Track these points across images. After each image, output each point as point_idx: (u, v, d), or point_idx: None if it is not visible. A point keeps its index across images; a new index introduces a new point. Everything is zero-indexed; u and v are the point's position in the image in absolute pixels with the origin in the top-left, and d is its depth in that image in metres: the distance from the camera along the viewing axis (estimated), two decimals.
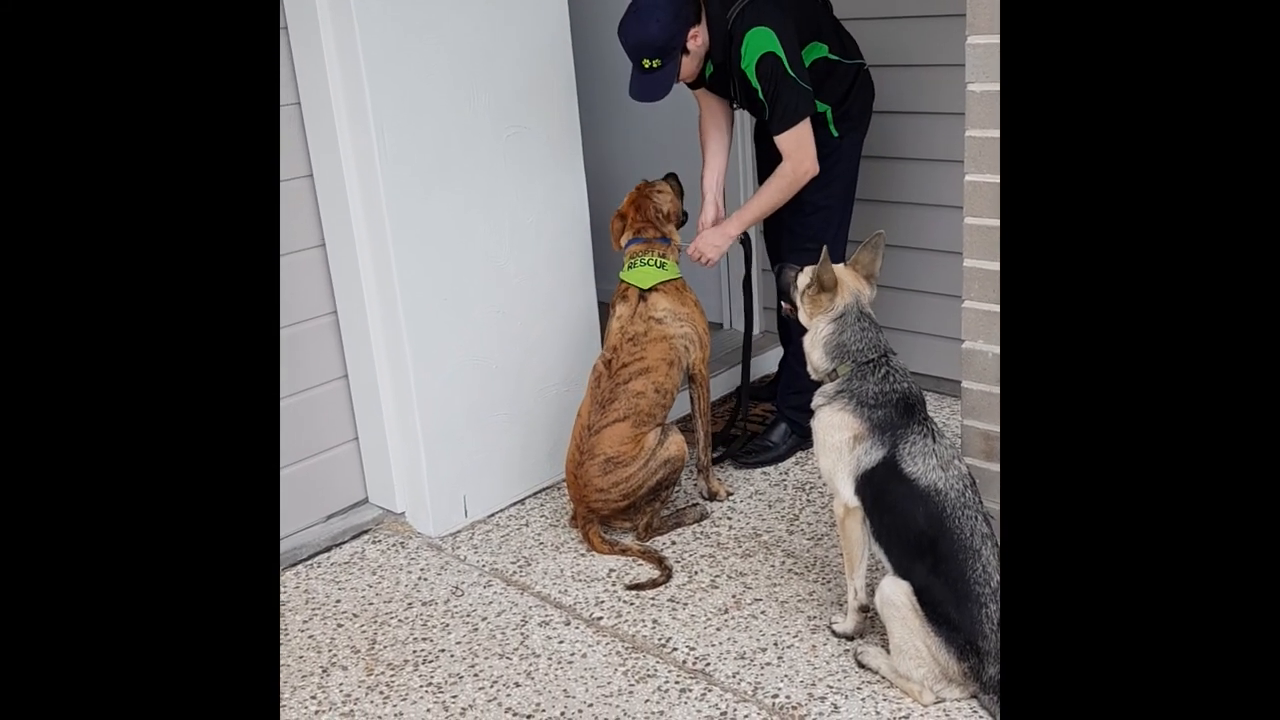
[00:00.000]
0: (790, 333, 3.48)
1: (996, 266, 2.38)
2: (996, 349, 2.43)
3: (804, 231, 3.26)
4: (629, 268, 3.20)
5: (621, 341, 3.11)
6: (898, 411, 2.36)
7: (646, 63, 2.95)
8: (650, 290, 3.14)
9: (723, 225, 3.23)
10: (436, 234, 3.05)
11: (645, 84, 3.02)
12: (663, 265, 3.18)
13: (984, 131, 2.33)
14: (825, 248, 2.47)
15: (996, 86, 2.28)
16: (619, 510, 3.07)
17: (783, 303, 2.66)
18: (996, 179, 2.33)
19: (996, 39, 2.23)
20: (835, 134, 3.20)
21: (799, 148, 3.06)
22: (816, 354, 2.48)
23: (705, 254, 3.22)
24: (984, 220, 2.38)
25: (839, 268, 2.49)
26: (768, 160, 3.30)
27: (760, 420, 3.77)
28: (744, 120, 3.78)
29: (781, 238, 3.38)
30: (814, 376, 2.52)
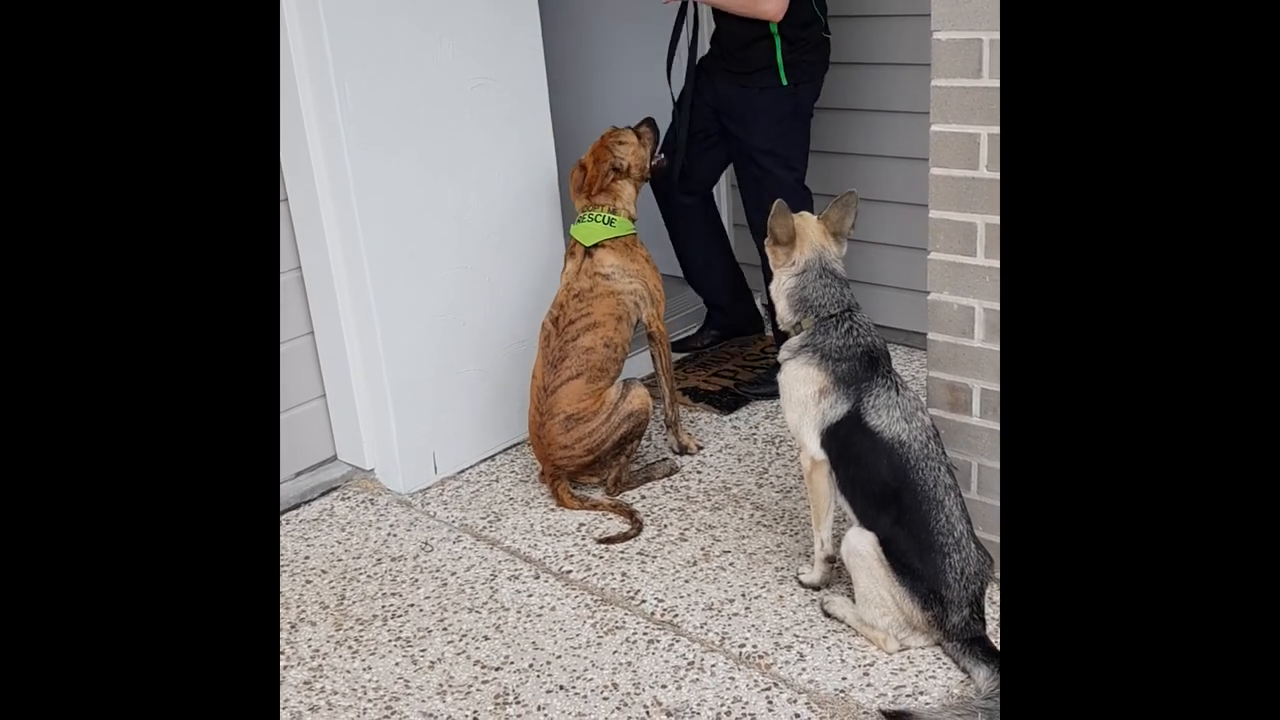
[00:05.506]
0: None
1: (962, 217, 2.38)
2: (962, 300, 2.43)
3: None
4: (578, 221, 3.17)
5: (568, 298, 3.08)
6: (862, 365, 2.36)
7: None
8: (596, 246, 3.10)
9: None
10: (401, 187, 3.01)
11: None
12: (610, 221, 3.14)
13: (949, 81, 2.31)
14: (779, 200, 2.43)
15: (962, 35, 2.26)
16: (585, 465, 3.07)
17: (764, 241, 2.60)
18: (962, 129, 2.31)
19: None
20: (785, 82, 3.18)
21: None
22: (781, 304, 2.47)
23: None
24: (949, 171, 2.37)
25: (810, 220, 2.47)
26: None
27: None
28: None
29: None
30: (781, 326, 2.51)
